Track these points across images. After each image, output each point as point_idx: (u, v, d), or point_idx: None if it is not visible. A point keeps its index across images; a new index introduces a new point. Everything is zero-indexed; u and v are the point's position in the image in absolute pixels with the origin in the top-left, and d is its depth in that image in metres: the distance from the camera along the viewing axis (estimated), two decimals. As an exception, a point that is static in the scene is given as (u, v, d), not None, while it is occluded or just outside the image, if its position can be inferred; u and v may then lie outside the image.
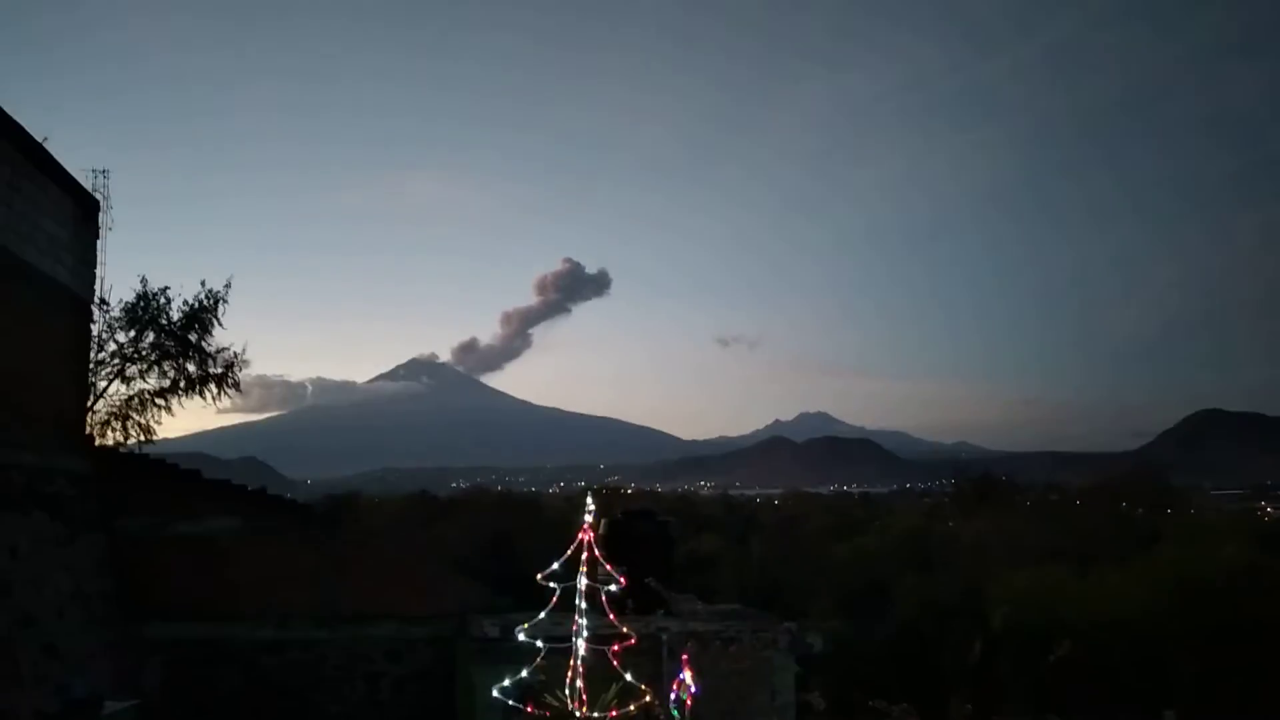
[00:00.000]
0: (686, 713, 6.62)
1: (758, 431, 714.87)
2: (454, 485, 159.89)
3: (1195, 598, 26.81)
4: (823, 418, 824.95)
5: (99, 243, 12.47)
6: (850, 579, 40.19)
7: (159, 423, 18.95)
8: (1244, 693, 22.97)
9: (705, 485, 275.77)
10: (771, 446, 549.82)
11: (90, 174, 14.27)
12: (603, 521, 8.10)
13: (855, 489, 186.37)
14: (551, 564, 7.03)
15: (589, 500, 7.24)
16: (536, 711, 7.04)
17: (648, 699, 7.00)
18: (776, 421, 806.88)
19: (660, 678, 7.71)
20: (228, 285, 19.25)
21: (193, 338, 18.98)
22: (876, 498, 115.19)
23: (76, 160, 14.66)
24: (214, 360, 19.25)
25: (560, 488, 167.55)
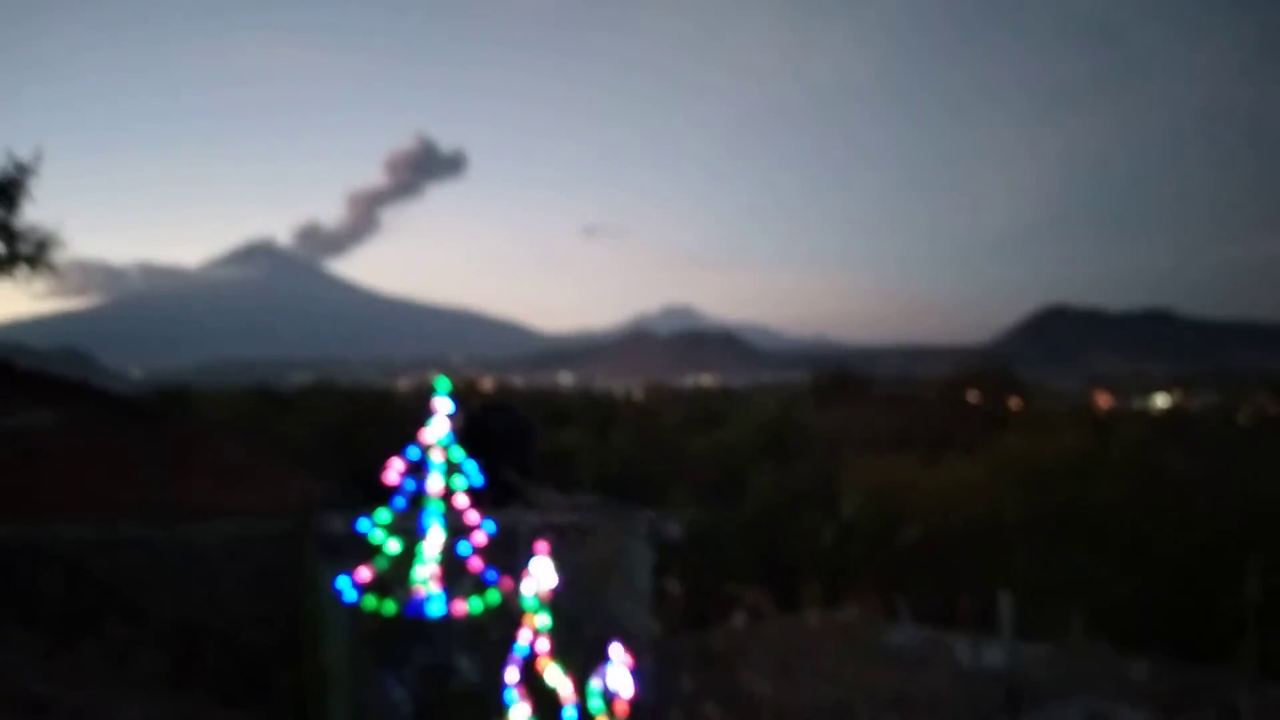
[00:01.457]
0: (544, 603, 6.77)
1: (620, 325, 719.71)
2: (296, 379, 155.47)
3: (1035, 484, 28.93)
4: (685, 311, 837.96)
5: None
6: (708, 469, 41.62)
7: (-36, 309, 17.67)
8: (1076, 572, 25.10)
9: (565, 379, 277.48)
10: (634, 340, 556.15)
11: None
12: (460, 415, 8.06)
13: (715, 382, 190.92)
14: (402, 457, 6.98)
15: (442, 382, 7.17)
16: (385, 607, 7.07)
17: (504, 590, 7.13)
18: (640, 315, 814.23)
19: (516, 569, 7.85)
20: (38, 156, 17.91)
21: (-1, 214, 17.62)
22: (736, 391, 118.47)
23: None
24: (24, 240, 17.97)
25: (411, 382, 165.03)
